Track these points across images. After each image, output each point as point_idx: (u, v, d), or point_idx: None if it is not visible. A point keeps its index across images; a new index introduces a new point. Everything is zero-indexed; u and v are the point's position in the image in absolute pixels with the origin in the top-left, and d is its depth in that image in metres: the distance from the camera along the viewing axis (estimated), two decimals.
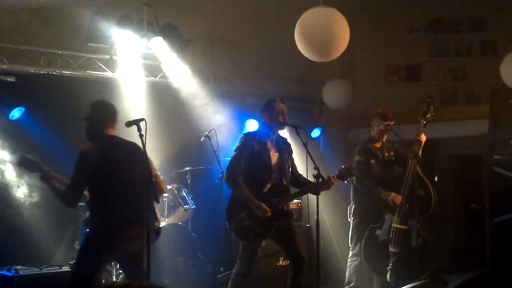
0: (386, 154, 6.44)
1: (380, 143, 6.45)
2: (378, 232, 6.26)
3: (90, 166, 4.29)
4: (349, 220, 6.52)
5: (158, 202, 4.24)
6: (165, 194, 6.64)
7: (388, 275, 6.08)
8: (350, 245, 6.53)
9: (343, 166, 5.37)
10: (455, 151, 8.70)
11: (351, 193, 6.51)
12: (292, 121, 5.37)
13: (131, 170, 4.39)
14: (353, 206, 6.49)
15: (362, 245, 6.33)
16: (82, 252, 4.46)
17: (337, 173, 5.29)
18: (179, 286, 6.33)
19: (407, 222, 6.09)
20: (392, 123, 6.37)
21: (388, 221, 6.21)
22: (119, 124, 4.61)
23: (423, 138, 6.09)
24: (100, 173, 4.33)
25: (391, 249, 6.10)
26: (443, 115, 8.32)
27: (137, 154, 4.42)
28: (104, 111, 4.57)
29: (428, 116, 6.13)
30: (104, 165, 4.35)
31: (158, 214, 4.57)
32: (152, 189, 4.14)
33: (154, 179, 4.28)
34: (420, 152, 6.07)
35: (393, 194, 6.08)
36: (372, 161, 6.35)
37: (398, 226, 6.09)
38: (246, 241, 5.26)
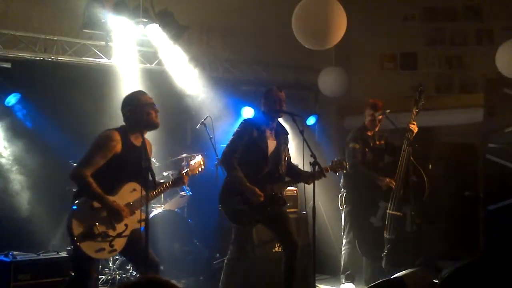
0: (378, 142, 6.47)
1: (372, 131, 6.47)
2: (373, 219, 6.31)
3: None
4: (340, 208, 6.55)
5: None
6: (161, 181, 6.66)
7: (383, 262, 6.14)
8: (343, 233, 6.57)
9: (336, 159, 5.42)
10: (450, 139, 8.72)
11: (342, 181, 6.53)
12: (289, 108, 5.38)
13: None
14: (345, 194, 6.51)
15: (356, 232, 6.36)
16: None
17: (330, 164, 5.35)
18: (174, 272, 6.36)
19: (402, 209, 6.15)
20: (388, 111, 6.39)
21: (382, 208, 6.25)
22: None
23: (415, 128, 6.12)
24: None
25: (386, 235, 6.16)
26: (438, 103, 8.37)
27: None
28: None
29: (420, 104, 6.16)
30: None
31: None
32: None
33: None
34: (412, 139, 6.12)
35: (388, 179, 6.13)
36: (366, 149, 6.39)
37: (393, 212, 6.14)
38: (239, 225, 5.29)
